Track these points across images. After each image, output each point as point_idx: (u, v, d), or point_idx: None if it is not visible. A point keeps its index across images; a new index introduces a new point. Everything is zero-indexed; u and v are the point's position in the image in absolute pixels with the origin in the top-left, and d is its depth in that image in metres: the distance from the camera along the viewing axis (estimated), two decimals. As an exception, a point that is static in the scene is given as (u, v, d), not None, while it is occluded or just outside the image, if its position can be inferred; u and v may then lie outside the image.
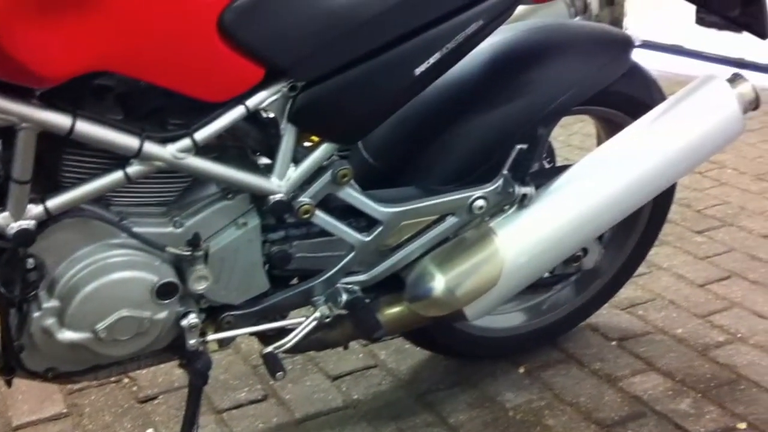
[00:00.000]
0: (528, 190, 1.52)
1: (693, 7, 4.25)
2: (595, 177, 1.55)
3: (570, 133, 3.23)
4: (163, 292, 1.30)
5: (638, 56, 1.73)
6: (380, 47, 1.34)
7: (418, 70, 1.37)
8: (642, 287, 2.22)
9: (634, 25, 4.67)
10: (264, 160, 1.39)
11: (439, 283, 1.49)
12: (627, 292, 2.13)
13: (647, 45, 4.55)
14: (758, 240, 2.48)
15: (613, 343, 1.99)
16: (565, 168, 1.62)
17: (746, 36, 4.27)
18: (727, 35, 4.19)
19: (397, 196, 1.50)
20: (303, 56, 1.28)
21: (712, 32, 4.26)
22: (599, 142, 1.85)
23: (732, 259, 2.38)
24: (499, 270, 1.50)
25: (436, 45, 1.37)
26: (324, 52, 1.30)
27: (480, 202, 1.51)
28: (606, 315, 2.07)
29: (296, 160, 1.37)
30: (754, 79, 3.68)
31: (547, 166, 1.79)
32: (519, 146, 1.51)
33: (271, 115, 1.33)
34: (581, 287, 1.90)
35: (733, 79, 1.59)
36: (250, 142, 1.36)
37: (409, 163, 1.56)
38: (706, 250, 2.43)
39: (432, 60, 1.37)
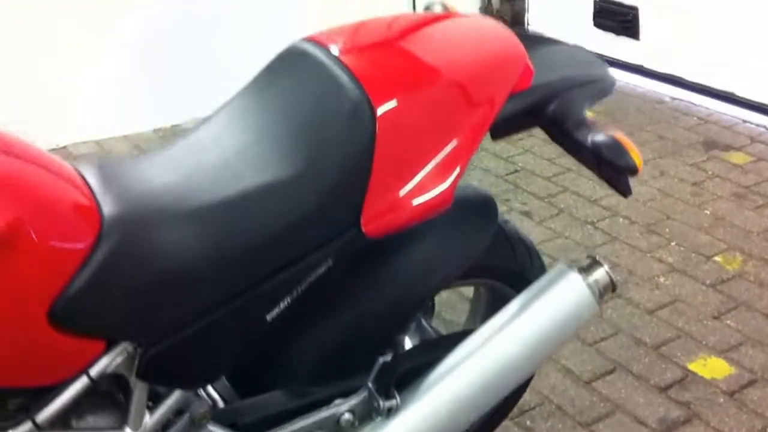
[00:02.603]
0: (392, 403, 1.51)
1: (592, 8, 4.21)
2: (455, 379, 1.54)
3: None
4: None
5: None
6: (226, 299, 1.31)
7: (269, 316, 1.35)
8: (531, 388, 2.29)
9: (535, 21, 4.66)
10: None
11: None
12: (517, 395, 2.19)
13: (548, 42, 4.56)
14: (644, 318, 2.57)
15: (501, 467, 2.07)
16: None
17: (644, 42, 4.32)
18: (626, 41, 4.23)
19: (263, 406, 1.50)
20: (144, 323, 1.25)
21: (611, 36, 4.28)
22: (474, 309, 1.88)
23: (618, 344, 2.47)
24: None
25: (286, 290, 1.35)
26: (166, 315, 1.26)
27: (347, 416, 1.51)
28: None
29: (153, 402, 1.35)
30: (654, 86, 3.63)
31: (429, 329, 1.81)
32: (381, 359, 1.49)
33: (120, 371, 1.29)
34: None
35: (589, 266, 1.59)
36: (104, 387, 1.33)
37: (275, 366, 1.55)
38: (594, 334, 2.51)
39: (283, 305, 1.35)
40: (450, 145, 1.41)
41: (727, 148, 3.55)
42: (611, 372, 2.37)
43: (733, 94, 3.82)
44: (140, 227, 1.24)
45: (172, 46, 3.91)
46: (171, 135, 3.92)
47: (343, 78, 1.36)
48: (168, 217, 1.28)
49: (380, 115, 1.34)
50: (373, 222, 1.37)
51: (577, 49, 1.75)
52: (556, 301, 1.57)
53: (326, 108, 1.37)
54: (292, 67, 1.46)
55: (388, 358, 1.50)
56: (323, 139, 1.35)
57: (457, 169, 1.42)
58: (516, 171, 3.47)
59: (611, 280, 1.59)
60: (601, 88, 1.65)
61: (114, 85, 3.84)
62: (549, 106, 1.56)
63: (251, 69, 1.51)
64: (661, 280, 2.75)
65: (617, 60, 4.27)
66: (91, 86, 3.81)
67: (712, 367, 2.38)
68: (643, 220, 3.07)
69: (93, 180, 1.28)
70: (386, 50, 1.49)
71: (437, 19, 1.60)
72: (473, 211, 1.67)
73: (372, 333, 1.54)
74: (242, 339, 1.37)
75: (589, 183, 3.25)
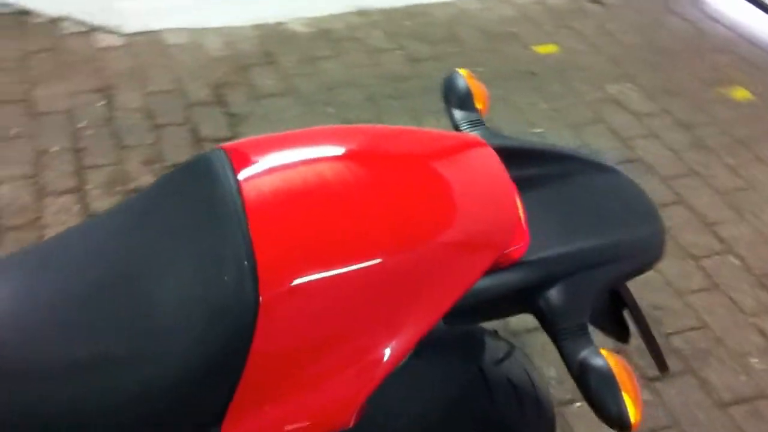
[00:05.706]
0: None
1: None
2: None
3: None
4: None
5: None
6: None
7: None
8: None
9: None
10: None
11: None
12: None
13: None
14: (712, 413, 2.07)
15: None
16: None
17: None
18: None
19: None
20: None
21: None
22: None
23: (667, 446, 2.01)
24: None
25: None
26: None
27: None
28: None
29: None
30: None
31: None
32: None
33: None
34: None
35: None
36: None
37: None
38: (643, 422, 2.04)
39: None
40: (370, 348, 0.97)
41: None
42: (644, 485, 1.93)
43: None
44: None
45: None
46: (273, 34, 3.53)
47: (236, 236, 0.94)
48: None
49: (265, 304, 0.92)
50: None
51: (619, 181, 1.19)
52: None
53: (200, 271, 0.96)
54: (186, 190, 1.04)
55: None
56: (183, 311, 0.95)
57: (372, 379, 0.97)
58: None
59: None
60: (637, 264, 1.14)
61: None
62: (542, 292, 1.07)
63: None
64: (754, 361, 2.21)
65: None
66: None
67: None
68: (761, 265, 2.48)
69: None
70: (315, 192, 0.99)
71: (402, 144, 1.10)
72: (446, 354, 1.25)
73: None
74: None
75: (709, 195, 2.64)
